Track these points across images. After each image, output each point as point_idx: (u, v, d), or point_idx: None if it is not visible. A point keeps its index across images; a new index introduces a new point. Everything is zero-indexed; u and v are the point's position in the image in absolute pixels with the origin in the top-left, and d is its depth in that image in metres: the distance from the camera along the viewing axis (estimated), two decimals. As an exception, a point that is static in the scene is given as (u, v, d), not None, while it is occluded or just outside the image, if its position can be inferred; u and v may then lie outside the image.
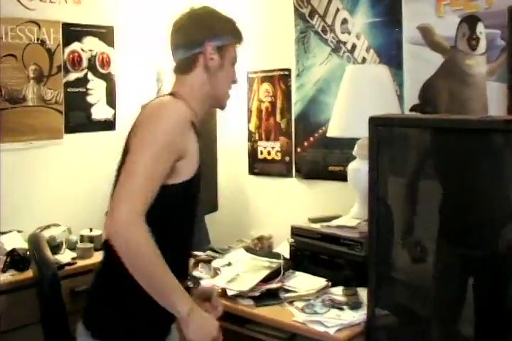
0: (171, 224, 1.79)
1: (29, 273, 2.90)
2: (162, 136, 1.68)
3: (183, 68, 1.92)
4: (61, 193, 3.45)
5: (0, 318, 2.84)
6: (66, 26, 3.51)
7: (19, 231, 3.19)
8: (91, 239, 3.28)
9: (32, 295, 2.78)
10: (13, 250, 2.98)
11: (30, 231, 3.16)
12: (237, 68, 2.03)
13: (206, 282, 2.86)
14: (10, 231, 3.17)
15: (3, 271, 2.94)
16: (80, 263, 3.11)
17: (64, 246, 3.21)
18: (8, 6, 3.26)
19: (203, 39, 1.89)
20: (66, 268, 3.02)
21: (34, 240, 2.85)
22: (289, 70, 3.42)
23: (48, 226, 3.26)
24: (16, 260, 2.96)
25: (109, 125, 3.68)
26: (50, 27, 3.44)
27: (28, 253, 2.96)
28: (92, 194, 3.54)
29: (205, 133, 3.51)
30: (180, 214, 1.83)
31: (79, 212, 3.50)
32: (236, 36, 1.97)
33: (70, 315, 2.66)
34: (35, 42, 3.39)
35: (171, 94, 1.89)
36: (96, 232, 3.33)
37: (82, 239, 3.29)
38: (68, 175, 3.49)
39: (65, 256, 3.13)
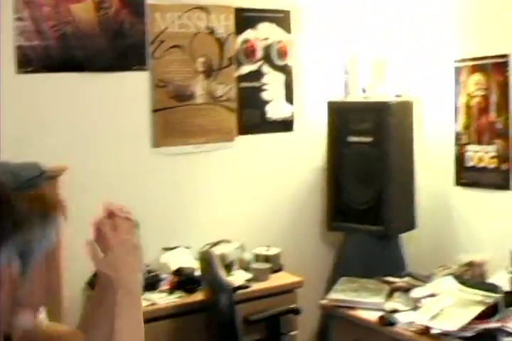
0: None
1: (198, 296, 2.94)
2: None
3: None
4: (233, 204, 3.46)
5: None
6: (238, 12, 3.51)
7: (187, 248, 3.24)
8: (267, 259, 3.26)
9: (201, 320, 2.86)
10: (180, 269, 3.02)
11: (199, 247, 3.23)
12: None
13: (405, 316, 2.77)
14: (176, 247, 3.22)
15: (170, 292, 2.98)
16: (255, 286, 3.11)
17: (236, 265, 3.21)
18: (174, -9, 3.33)
19: None
20: (239, 291, 3.01)
21: (206, 258, 2.89)
22: (506, 57, 3.22)
23: (218, 243, 3.28)
24: (183, 280, 3.00)
25: (287, 125, 3.64)
26: (220, 13, 3.46)
27: (196, 272, 3.01)
28: (269, 206, 3.54)
29: (400, 135, 3.39)
30: None
31: (253, 227, 3.49)
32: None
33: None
34: (204, 30, 3.42)
35: None
36: (273, 251, 3.31)
37: (257, 258, 3.28)
38: (241, 184, 3.49)
39: (238, 277, 3.14)
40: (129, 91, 3.22)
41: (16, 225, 1.36)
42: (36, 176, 3.10)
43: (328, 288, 3.36)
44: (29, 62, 3.00)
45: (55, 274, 2.88)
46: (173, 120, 3.36)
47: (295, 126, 3.65)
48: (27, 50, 2.99)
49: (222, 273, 2.81)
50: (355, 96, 3.61)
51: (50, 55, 3.04)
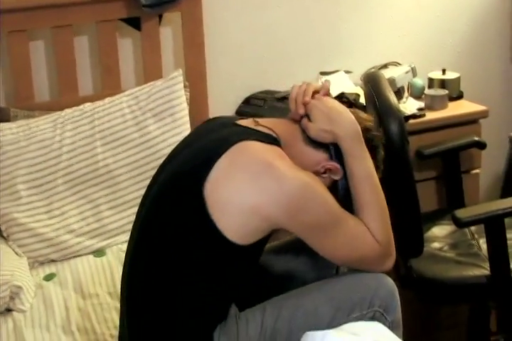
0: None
1: None
2: None
3: None
4: (401, 20, 2.91)
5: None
6: None
7: (347, 72, 2.80)
8: (444, 84, 2.76)
9: None
10: (342, 94, 2.60)
11: (361, 71, 2.77)
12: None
13: None
14: (335, 71, 2.79)
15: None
16: (429, 115, 2.64)
17: (407, 92, 2.75)
18: None
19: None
20: (411, 121, 2.59)
21: (372, 80, 2.39)
22: None
23: (386, 66, 2.82)
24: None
25: None
26: None
27: (360, 99, 2.58)
28: (445, 21, 2.96)
29: None
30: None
31: (426, 48, 2.95)
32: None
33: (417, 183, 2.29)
34: None
35: None
36: (451, 75, 2.78)
37: (432, 83, 2.79)
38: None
39: (409, 105, 2.67)
40: None
41: None
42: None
43: (519, 118, 2.87)
44: None
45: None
46: None
47: None
48: None
49: (392, 97, 2.31)
50: None
51: None
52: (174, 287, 1.58)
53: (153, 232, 1.61)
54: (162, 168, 1.71)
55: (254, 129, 1.61)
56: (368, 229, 1.62)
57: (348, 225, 1.59)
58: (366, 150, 1.65)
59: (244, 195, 1.50)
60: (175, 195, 1.58)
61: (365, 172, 1.64)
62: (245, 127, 1.63)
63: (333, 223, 1.57)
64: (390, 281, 1.71)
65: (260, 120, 1.66)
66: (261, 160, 1.51)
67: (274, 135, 1.61)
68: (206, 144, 1.59)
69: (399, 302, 1.72)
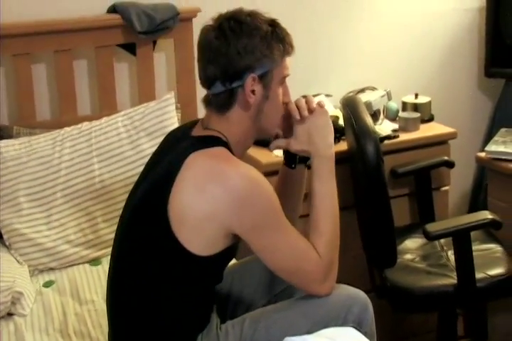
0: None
1: (342, 146, 2.53)
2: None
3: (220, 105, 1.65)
4: (378, 49, 2.96)
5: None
6: None
7: (327, 95, 2.81)
8: (416, 108, 2.78)
9: (345, 171, 2.48)
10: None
11: (341, 95, 2.79)
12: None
13: None
14: (317, 95, 2.77)
15: (310, 142, 2.59)
16: (403, 136, 2.66)
17: (382, 115, 2.76)
18: None
19: (242, 70, 1.60)
20: (386, 142, 2.59)
21: (350, 104, 2.44)
22: None
23: (363, 90, 2.84)
24: (325, 129, 2.59)
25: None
26: None
27: (339, 121, 2.59)
28: (418, 50, 3.01)
29: None
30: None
31: (400, 74, 3.00)
32: (285, 50, 1.69)
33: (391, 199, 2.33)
34: None
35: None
36: (423, 99, 2.81)
37: (405, 107, 2.81)
38: (387, 26, 2.95)
39: (384, 127, 2.69)
40: None
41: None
42: (170, 18, 2.72)
43: (485, 140, 2.91)
44: None
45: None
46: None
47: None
48: None
49: (368, 119, 2.35)
50: None
51: None
52: (150, 298, 1.60)
53: (128, 248, 1.64)
54: (137, 184, 1.73)
55: (203, 136, 1.62)
56: (313, 244, 1.60)
57: (290, 231, 1.58)
58: (333, 172, 1.69)
59: (196, 204, 1.52)
60: (145, 214, 1.61)
61: (326, 193, 1.66)
62: (197, 137, 1.63)
63: (276, 223, 1.56)
64: (363, 296, 1.70)
65: (209, 123, 1.65)
66: (205, 169, 1.53)
67: (220, 136, 1.61)
68: (166, 165, 1.61)
69: (372, 315, 1.71)
